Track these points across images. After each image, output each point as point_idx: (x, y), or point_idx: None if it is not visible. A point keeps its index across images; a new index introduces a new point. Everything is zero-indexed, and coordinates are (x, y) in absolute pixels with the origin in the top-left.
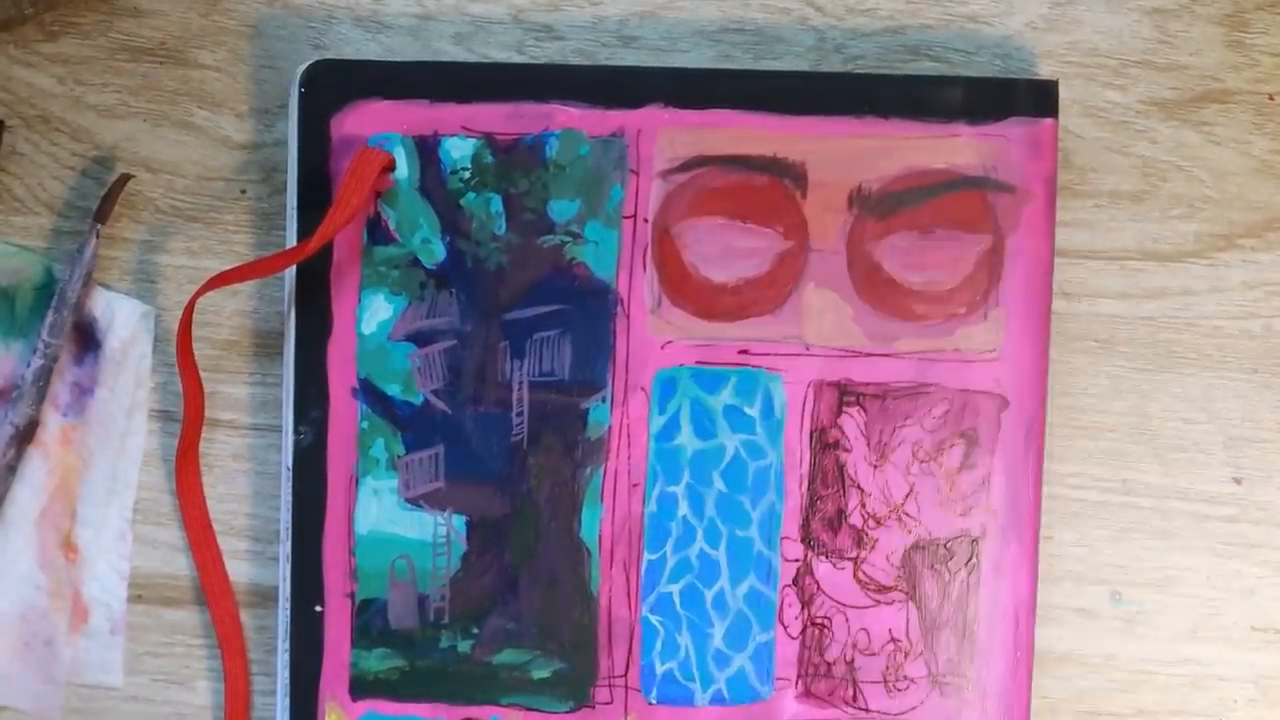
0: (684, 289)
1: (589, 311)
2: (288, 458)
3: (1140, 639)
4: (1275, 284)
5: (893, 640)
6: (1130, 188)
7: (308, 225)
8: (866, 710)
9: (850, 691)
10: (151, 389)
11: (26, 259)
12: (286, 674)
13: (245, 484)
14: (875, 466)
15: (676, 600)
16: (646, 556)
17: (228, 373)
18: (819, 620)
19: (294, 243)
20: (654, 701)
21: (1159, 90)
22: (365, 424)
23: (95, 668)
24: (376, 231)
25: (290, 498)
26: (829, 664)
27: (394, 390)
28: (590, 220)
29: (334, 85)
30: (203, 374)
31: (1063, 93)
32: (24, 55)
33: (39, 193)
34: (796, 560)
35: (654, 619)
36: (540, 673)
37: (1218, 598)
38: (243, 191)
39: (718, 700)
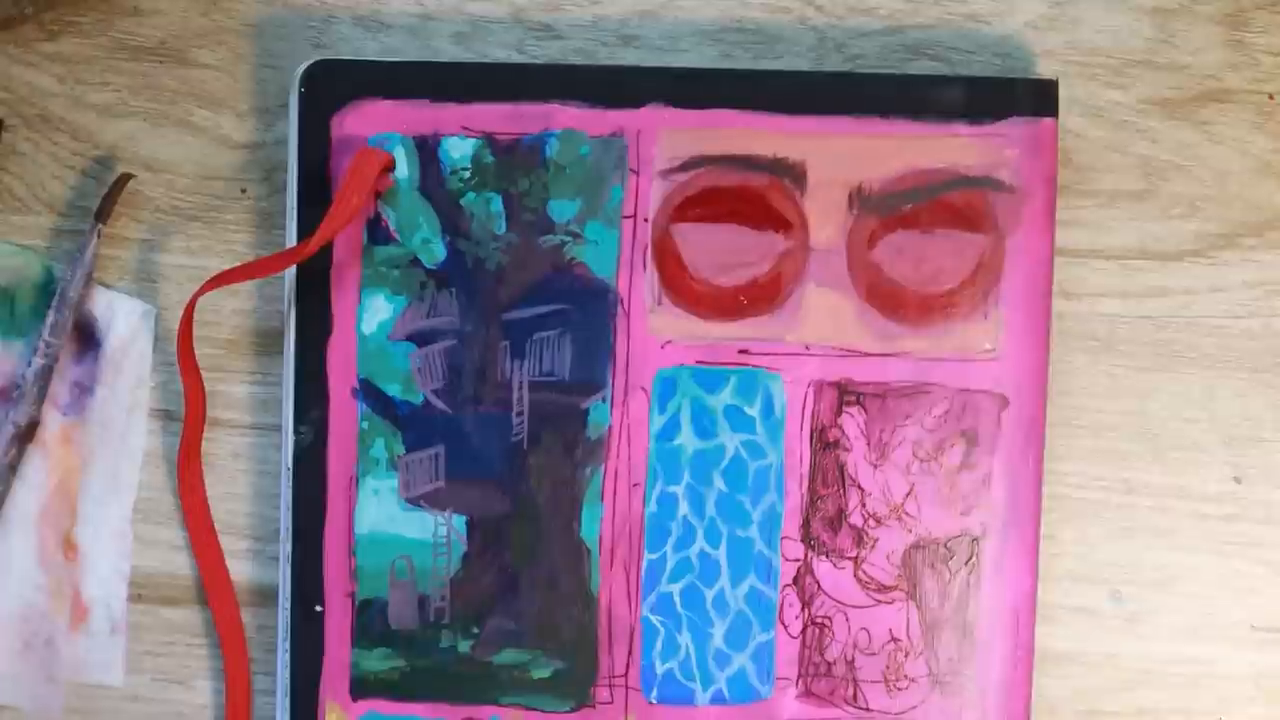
0: (684, 289)
1: (589, 311)
2: (288, 457)
3: (1140, 638)
4: (1275, 283)
5: (893, 639)
6: (1130, 187)
7: (308, 225)
8: (867, 709)
9: (851, 691)
10: (152, 388)
11: (27, 258)
12: (287, 674)
13: (245, 483)
14: (875, 466)
15: (677, 600)
16: (647, 556)
17: (228, 372)
18: (819, 620)
19: (294, 242)
20: (654, 701)
21: (1159, 89)
22: (365, 424)
23: (95, 667)
24: (377, 231)
25: (290, 498)
26: (829, 663)
27: (394, 390)
28: (590, 220)
29: (334, 85)
30: (203, 373)
31: (1062, 92)
32: (24, 54)
33: (39, 192)
34: (797, 560)
35: (654, 619)
36: (540, 672)
37: (1218, 597)
38: (243, 191)
39: (718, 700)
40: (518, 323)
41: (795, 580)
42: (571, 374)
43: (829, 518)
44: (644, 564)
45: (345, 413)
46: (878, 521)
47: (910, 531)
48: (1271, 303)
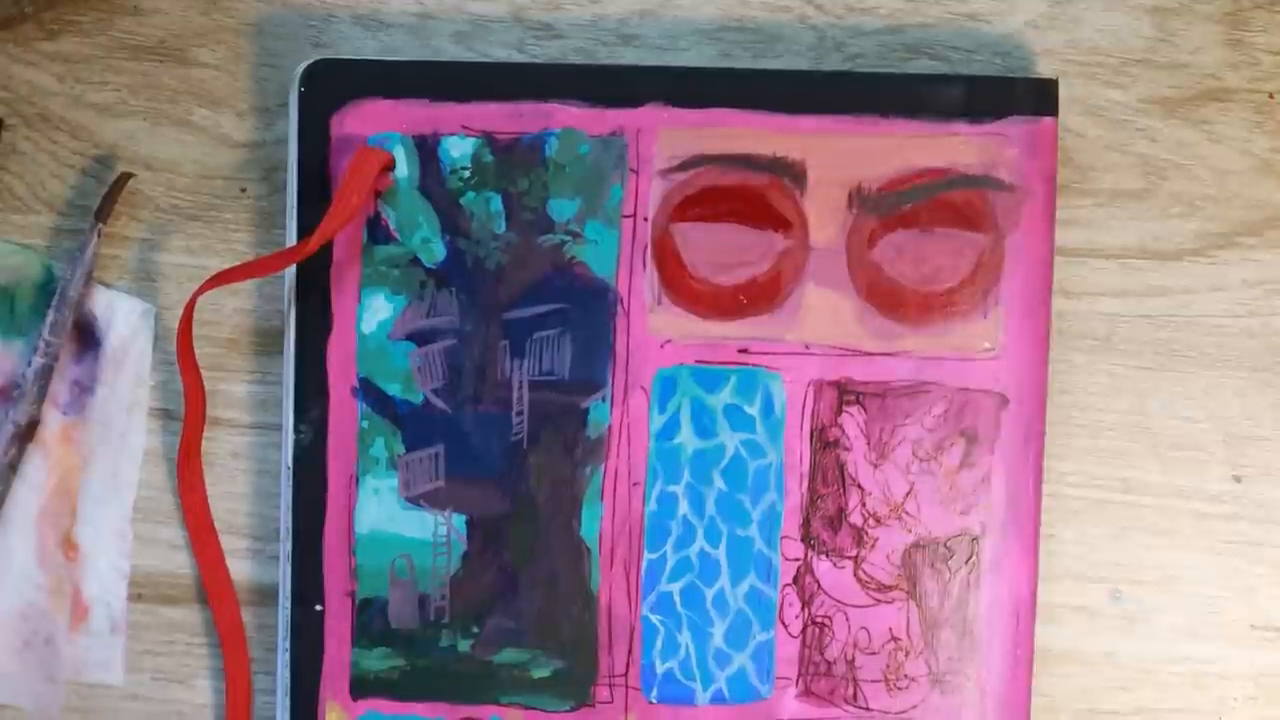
0: (684, 288)
1: (589, 310)
2: (288, 457)
3: (1140, 637)
4: (1275, 282)
5: (893, 639)
6: (1130, 186)
7: (307, 224)
8: (867, 709)
9: (851, 690)
10: (152, 387)
11: (27, 257)
12: (287, 673)
13: (245, 482)
14: (875, 465)
15: (677, 599)
16: (647, 555)
17: (228, 370)
18: (819, 619)
19: (293, 241)
20: (654, 700)
21: (1159, 89)
22: (365, 423)
23: (95, 666)
24: (376, 231)
25: (290, 497)
26: (829, 663)
27: (394, 389)
28: (590, 219)
29: (334, 84)
30: (203, 372)
31: (1062, 91)
32: (24, 54)
33: (39, 191)
34: (797, 559)
35: (654, 618)
36: (540, 672)
37: (1217, 596)
38: (243, 190)
39: (718, 699)
40: (517, 322)
41: (795, 579)
42: (571, 373)
43: (829, 517)
44: (644, 563)
45: (345, 412)
46: (877, 521)
47: (910, 531)
48: (1271, 302)
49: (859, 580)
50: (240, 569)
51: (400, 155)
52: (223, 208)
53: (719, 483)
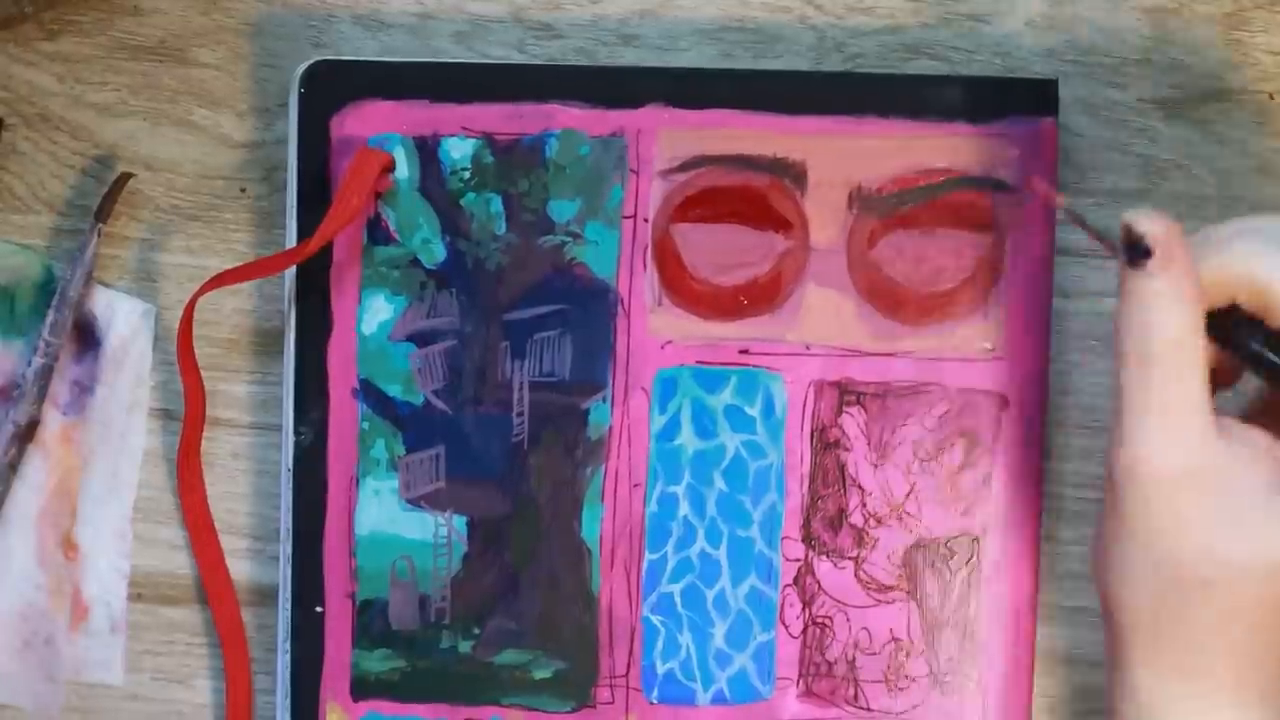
0: (684, 289)
1: (589, 311)
2: (288, 458)
3: None
4: None
5: (894, 639)
6: (1130, 186)
7: (308, 224)
8: (868, 709)
9: (851, 691)
10: (152, 387)
11: (27, 257)
12: (287, 675)
13: (244, 482)
14: (876, 466)
15: (677, 600)
16: (647, 556)
17: (227, 371)
18: (820, 620)
19: (294, 242)
20: (655, 701)
21: (1159, 89)
22: (366, 424)
23: (95, 666)
24: (377, 232)
25: (291, 498)
26: (830, 663)
27: (394, 390)
28: (590, 220)
29: (334, 85)
30: (203, 372)
31: (1062, 91)
32: (23, 54)
33: (39, 191)
34: (797, 560)
35: (655, 619)
36: (541, 673)
37: None
38: (243, 190)
39: (719, 700)
40: (518, 323)
41: (796, 580)
42: (572, 374)
43: (829, 517)
44: (645, 564)
45: (345, 413)
46: (878, 521)
47: (911, 531)
48: None
49: (860, 581)
50: (240, 569)
51: (400, 156)
52: (223, 208)
53: (720, 483)
